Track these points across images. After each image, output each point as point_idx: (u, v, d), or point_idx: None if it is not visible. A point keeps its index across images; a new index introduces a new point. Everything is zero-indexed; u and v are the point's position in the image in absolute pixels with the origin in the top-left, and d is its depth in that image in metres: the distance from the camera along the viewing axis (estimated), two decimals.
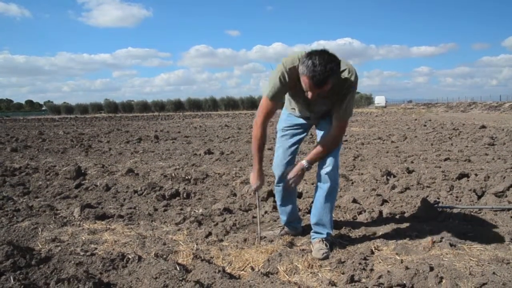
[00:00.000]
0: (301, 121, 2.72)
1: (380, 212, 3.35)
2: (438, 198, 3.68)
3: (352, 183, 4.56)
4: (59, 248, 2.62)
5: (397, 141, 9.44)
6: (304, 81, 2.18)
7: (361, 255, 2.36)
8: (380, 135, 10.93)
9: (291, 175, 2.53)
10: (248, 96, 54.25)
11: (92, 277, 2.03)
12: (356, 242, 2.68)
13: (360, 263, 2.23)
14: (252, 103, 52.16)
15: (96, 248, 2.62)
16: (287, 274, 2.17)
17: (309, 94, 2.22)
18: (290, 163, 2.71)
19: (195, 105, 54.79)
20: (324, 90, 2.19)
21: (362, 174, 5.04)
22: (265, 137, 2.55)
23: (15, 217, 3.35)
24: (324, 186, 2.51)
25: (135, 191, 4.29)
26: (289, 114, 2.77)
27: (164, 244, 2.66)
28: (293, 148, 2.73)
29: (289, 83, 2.36)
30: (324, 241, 2.51)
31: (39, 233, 2.93)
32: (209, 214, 3.38)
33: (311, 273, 2.19)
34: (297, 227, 2.87)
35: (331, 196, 2.52)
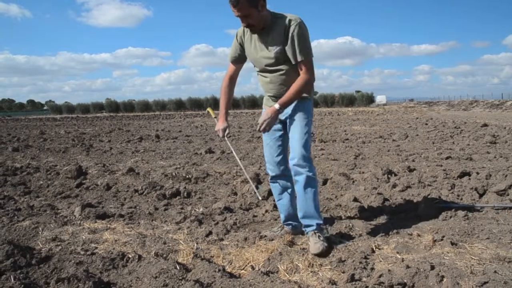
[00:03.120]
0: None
1: (381, 211, 3.34)
2: (440, 197, 3.67)
3: (353, 182, 4.55)
4: (60, 247, 2.62)
5: (398, 139, 9.42)
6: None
7: (362, 254, 2.35)
8: (382, 133, 10.91)
9: (263, 117, 2.56)
10: (249, 95, 54.08)
11: (92, 276, 2.03)
12: (357, 241, 2.66)
13: (360, 262, 2.23)
14: (253, 102, 52.00)
15: (96, 248, 2.62)
16: (287, 273, 2.16)
17: (242, 23, 2.52)
18: (282, 157, 2.79)
19: (196, 104, 54.72)
20: (245, 15, 2.43)
21: (363, 172, 5.03)
22: (230, 88, 2.87)
23: (16, 217, 3.36)
24: (299, 178, 2.56)
25: (136, 190, 4.29)
26: (264, 108, 2.82)
27: (164, 243, 2.66)
28: (278, 143, 2.79)
29: (240, 39, 2.70)
30: (317, 233, 2.54)
31: (40, 233, 2.93)
32: (210, 213, 3.38)
33: (311, 272, 2.18)
34: (298, 226, 2.87)
35: (308, 185, 2.56)
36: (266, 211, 3.42)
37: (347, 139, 9.69)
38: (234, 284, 1.91)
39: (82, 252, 2.50)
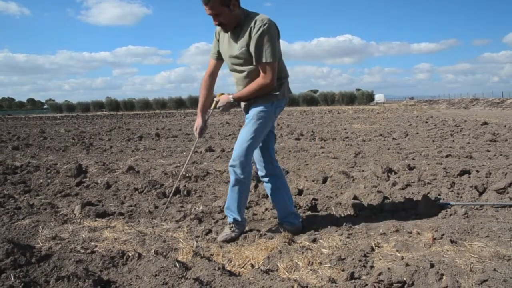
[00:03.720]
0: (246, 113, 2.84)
1: (381, 209, 3.34)
2: (439, 195, 3.67)
3: (353, 180, 4.54)
4: (60, 245, 2.62)
5: (398, 138, 9.42)
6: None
7: (361, 252, 2.36)
8: (382, 132, 10.90)
9: (220, 103, 2.73)
10: None
11: (92, 275, 2.03)
12: (356, 239, 2.67)
13: (360, 260, 2.23)
14: None
15: (96, 246, 2.63)
16: (287, 271, 2.16)
17: (213, 22, 2.55)
18: (267, 157, 2.86)
19: (196, 103, 54.49)
20: (216, 13, 2.46)
21: (363, 171, 5.03)
22: (210, 84, 2.89)
23: (16, 215, 3.36)
24: (231, 177, 2.73)
25: (136, 189, 4.29)
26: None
27: (164, 241, 2.66)
28: (260, 144, 2.83)
29: (217, 35, 2.75)
30: (231, 224, 2.76)
31: (40, 231, 2.94)
32: (210, 211, 3.38)
33: (311, 270, 2.18)
34: (294, 223, 2.87)
35: (235, 187, 2.72)
36: (266, 209, 3.42)
37: (347, 137, 9.69)
38: (234, 282, 1.91)
39: (82, 251, 2.50)
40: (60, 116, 39.50)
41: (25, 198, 4.09)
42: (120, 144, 9.57)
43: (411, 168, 5.03)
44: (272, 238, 2.69)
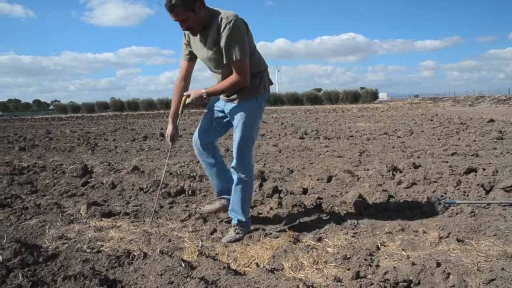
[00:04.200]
0: (221, 104, 2.86)
1: (386, 208, 3.33)
2: (445, 193, 3.65)
3: (358, 178, 4.53)
4: (66, 245, 2.64)
5: (403, 136, 9.37)
6: None
7: (367, 251, 2.35)
8: (386, 130, 10.86)
9: (192, 96, 2.70)
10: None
11: (98, 274, 2.04)
12: (362, 238, 2.66)
13: (365, 259, 2.22)
14: (279, 99, 51.65)
15: (102, 245, 2.64)
16: (292, 270, 2.16)
17: (181, 28, 2.55)
18: (211, 136, 2.97)
19: None
20: (183, 19, 2.44)
21: (368, 169, 5.01)
22: (183, 87, 2.88)
23: (23, 215, 3.38)
24: (234, 178, 2.78)
25: (141, 189, 4.30)
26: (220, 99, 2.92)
27: (170, 241, 2.67)
28: (211, 123, 2.94)
29: (187, 37, 2.73)
30: (235, 226, 2.77)
31: (47, 231, 2.96)
32: None
33: (316, 269, 2.18)
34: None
35: (238, 187, 2.77)
36: (271, 208, 3.42)
37: (352, 136, 9.66)
38: (239, 281, 1.91)
39: (88, 250, 2.51)
40: (65, 117, 39.72)
41: (32, 198, 4.12)
42: (125, 144, 9.60)
43: (416, 167, 5.00)
44: (277, 237, 2.69)
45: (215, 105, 2.93)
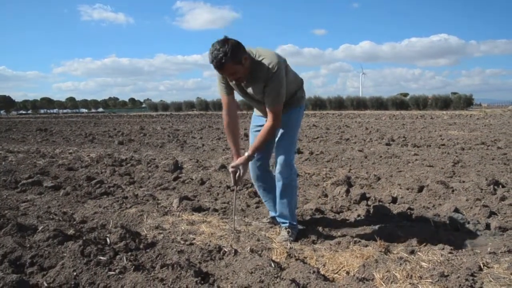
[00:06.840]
0: (262, 121, 2.89)
1: (487, 225, 3.04)
2: None
3: (453, 191, 4.21)
4: (162, 235, 2.84)
5: (504, 147, 8.48)
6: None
7: (468, 270, 2.16)
8: (484, 139, 9.92)
9: (236, 162, 2.74)
10: (335, 96, 52.66)
11: (193, 266, 2.16)
12: (461, 255, 2.46)
13: (466, 279, 2.05)
14: (339, 103, 50.57)
15: (194, 239, 2.79)
16: (383, 282, 2.08)
17: (229, 80, 2.63)
18: (263, 163, 2.98)
19: None
20: (231, 73, 2.48)
21: (463, 182, 4.63)
22: (233, 124, 2.86)
23: (124, 204, 3.71)
24: (278, 184, 2.80)
25: (228, 187, 4.46)
26: (253, 115, 3.09)
27: (258, 240, 2.73)
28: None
29: (223, 78, 2.69)
30: (287, 229, 2.82)
31: (144, 220, 3.21)
32: (301, 213, 3.38)
33: (410, 283, 2.07)
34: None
35: (285, 192, 2.79)
36: (358, 215, 3.33)
37: (443, 145, 8.99)
38: None
39: (182, 242, 2.67)
40: (156, 114, 42.74)
41: (131, 188, 4.49)
42: (211, 143, 10.03)
43: None
44: (366, 245, 2.61)
45: (254, 125, 3.03)
